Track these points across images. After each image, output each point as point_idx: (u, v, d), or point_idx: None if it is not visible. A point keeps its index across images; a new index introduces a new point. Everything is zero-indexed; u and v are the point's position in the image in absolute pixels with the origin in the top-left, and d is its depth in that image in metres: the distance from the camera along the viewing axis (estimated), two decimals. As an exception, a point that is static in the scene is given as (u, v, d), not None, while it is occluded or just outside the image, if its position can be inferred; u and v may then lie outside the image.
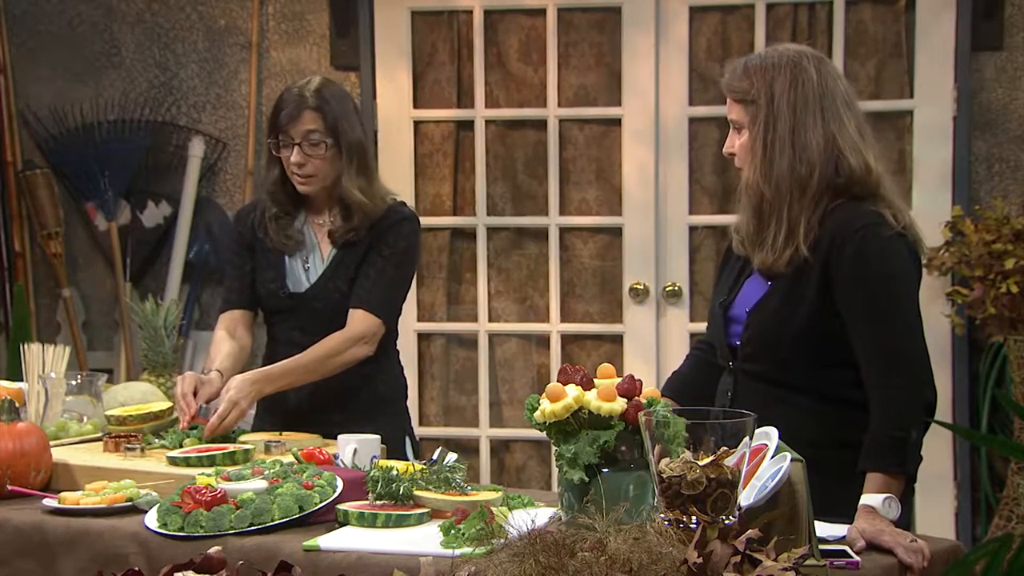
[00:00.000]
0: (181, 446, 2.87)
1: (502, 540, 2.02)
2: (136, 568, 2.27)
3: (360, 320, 3.19)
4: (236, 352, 3.27)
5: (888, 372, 2.51)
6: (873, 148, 2.64)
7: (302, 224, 3.31)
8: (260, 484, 2.48)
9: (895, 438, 2.46)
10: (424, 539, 2.29)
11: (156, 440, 2.93)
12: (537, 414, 2.32)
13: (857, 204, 2.58)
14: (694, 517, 1.98)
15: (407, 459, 3.14)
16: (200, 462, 2.72)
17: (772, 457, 2.17)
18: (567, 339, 4.92)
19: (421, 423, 4.93)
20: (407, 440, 3.33)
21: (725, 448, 2.00)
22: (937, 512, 4.53)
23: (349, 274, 3.24)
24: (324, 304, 3.24)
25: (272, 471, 2.55)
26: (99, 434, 3.06)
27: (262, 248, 3.31)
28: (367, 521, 2.40)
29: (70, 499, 2.56)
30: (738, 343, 2.70)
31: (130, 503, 2.54)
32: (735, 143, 2.67)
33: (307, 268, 3.28)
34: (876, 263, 2.54)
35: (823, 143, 2.58)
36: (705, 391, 2.77)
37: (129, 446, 2.86)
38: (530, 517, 2.13)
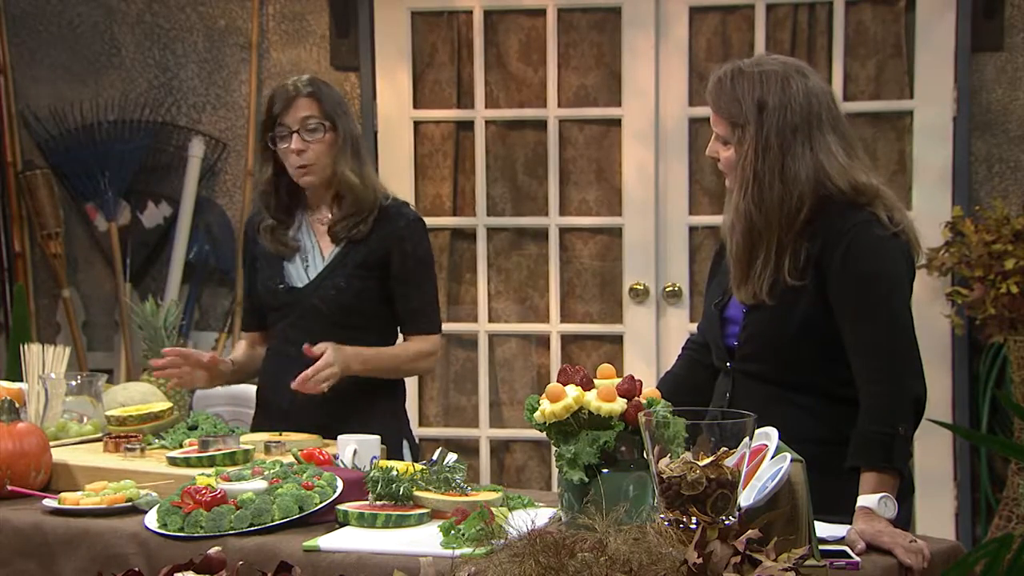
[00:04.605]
0: (181, 446, 2.87)
1: (502, 541, 2.02)
2: (136, 568, 2.27)
3: (421, 342, 3.30)
4: (253, 355, 3.41)
5: (875, 369, 2.52)
6: (863, 162, 2.63)
7: (297, 230, 3.30)
8: (260, 484, 2.48)
9: (881, 434, 2.46)
10: (424, 539, 2.29)
11: (156, 440, 2.93)
12: (537, 414, 2.32)
13: (852, 205, 2.58)
14: (694, 517, 1.98)
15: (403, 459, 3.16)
16: (200, 462, 2.72)
17: (772, 457, 2.18)
18: (567, 339, 4.92)
19: (421, 424, 4.94)
20: (404, 443, 3.33)
21: (725, 448, 2.00)
22: (937, 512, 4.54)
23: (348, 271, 3.24)
24: (321, 300, 3.24)
25: (272, 471, 2.54)
26: (99, 434, 3.05)
27: (261, 252, 3.32)
28: (367, 521, 2.40)
29: (70, 499, 2.56)
30: (735, 343, 2.70)
31: (130, 503, 2.54)
32: (720, 152, 2.66)
33: (306, 266, 3.28)
34: (865, 262, 2.54)
35: (812, 172, 2.57)
36: (699, 391, 2.77)
37: (129, 446, 2.86)
38: (530, 517, 2.13)
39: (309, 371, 3.06)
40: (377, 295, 3.25)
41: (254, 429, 3.30)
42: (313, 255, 3.28)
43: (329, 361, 3.08)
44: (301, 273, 3.27)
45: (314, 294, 3.25)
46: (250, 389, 3.53)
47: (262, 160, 3.32)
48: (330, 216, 3.28)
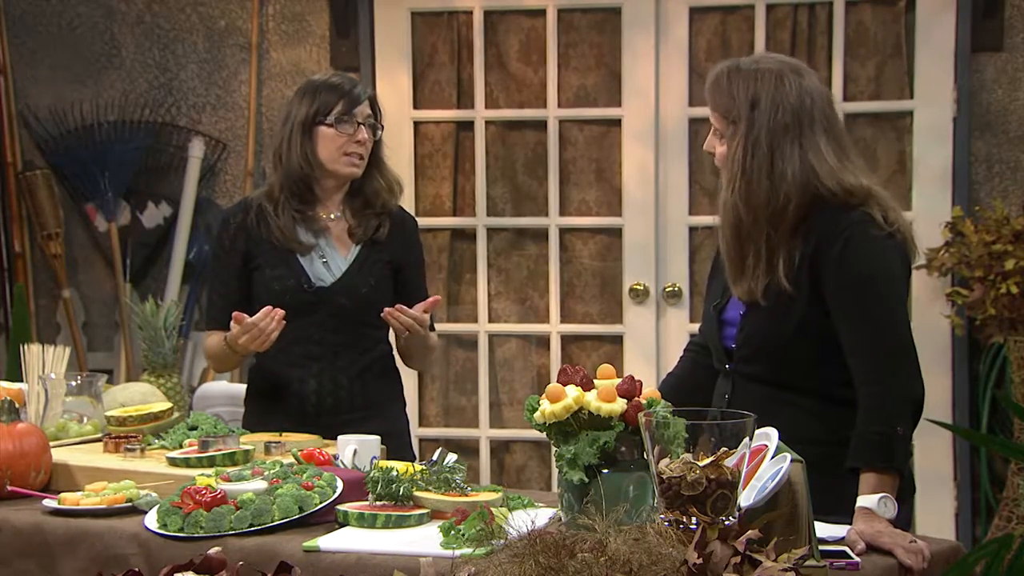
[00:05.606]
0: (181, 447, 2.87)
1: (502, 541, 2.02)
2: (136, 569, 2.27)
3: (433, 336, 3.38)
4: None
5: (873, 369, 2.52)
6: (856, 164, 2.63)
7: (307, 225, 3.31)
8: (260, 485, 2.48)
9: (881, 434, 2.46)
10: (424, 540, 2.29)
11: (156, 441, 2.93)
12: (537, 415, 2.32)
13: (845, 206, 2.58)
14: (694, 518, 1.98)
15: (414, 454, 3.24)
16: (200, 463, 2.72)
17: (772, 458, 2.17)
18: (567, 340, 4.92)
19: (421, 424, 4.94)
20: (410, 438, 3.36)
21: (725, 449, 2.00)
22: (937, 512, 4.54)
23: (376, 271, 3.28)
24: (349, 299, 3.24)
25: (272, 472, 2.54)
26: (99, 435, 3.05)
27: (264, 248, 3.27)
28: (367, 522, 2.40)
29: (70, 500, 2.56)
30: (733, 345, 2.70)
31: (130, 504, 2.54)
32: (715, 147, 2.67)
33: (325, 262, 3.28)
34: (860, 263, 2.54)
35: (800, 172, 2.57)
36: (700, 392, 2.77)
37: (129, 447, 2.85)
38: (530, 518, 2.13)
39: (412, 314, 3.15)
40: (392, 294, 3.30)
41: (255, 429, 3.27)
42: (330, 252, 3.29)
43: (426, 323, 3.20)
44: (323, 271, 3.27)
45: (341, 293, 3.25)
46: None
47: (301, 148, 3.26)
48: (340, 214, 3.31)
